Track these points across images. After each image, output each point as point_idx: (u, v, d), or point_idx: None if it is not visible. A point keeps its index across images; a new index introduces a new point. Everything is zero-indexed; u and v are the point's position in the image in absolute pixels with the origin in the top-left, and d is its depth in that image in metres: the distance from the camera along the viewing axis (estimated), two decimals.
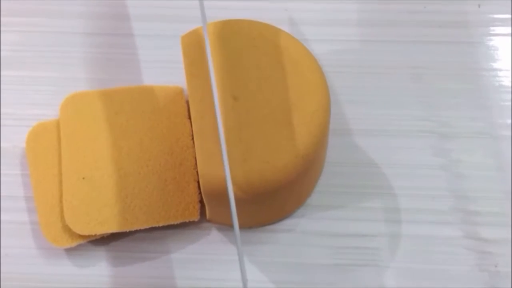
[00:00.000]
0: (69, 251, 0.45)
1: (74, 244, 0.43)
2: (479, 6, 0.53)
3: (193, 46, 0.42)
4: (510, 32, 0.52)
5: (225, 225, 0.45)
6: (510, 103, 0.49)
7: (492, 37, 0.52)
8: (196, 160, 0.42)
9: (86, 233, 0.43)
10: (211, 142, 0.39)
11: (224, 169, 0.37)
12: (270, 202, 0.42)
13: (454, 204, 0.46)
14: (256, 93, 0.41)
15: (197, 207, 0.44)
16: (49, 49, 0.52)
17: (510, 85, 0.50)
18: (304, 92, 0.41)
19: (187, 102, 0.45)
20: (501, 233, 0.45)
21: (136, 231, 0.44)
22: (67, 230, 0.43)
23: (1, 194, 0.46)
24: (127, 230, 0.43)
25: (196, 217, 0.44)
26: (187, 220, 0.44)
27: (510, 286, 0.44)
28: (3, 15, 0.53)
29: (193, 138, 0.44)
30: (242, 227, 0.44)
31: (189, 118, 0.45)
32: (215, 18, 0.44)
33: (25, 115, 0.49)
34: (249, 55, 0.42)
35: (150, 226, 0.43)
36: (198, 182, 0.44)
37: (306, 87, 0.41)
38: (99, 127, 0.46)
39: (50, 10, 0.53)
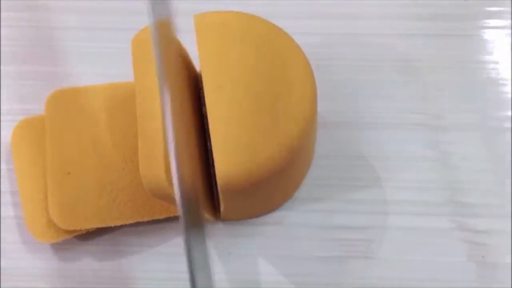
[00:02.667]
0: (54, 246, 0.43)
1: (59, 239, 0.42)
2: None
3: (143, 45, 0.40)
4: (499, 25, 0.50)
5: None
6: (500, 96, 0.48)
7: (481, 30, 0.50)
8: None
9: (71, 228, 0.41)
10: (153, 142, 0.37)
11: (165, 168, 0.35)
12: (256, 194, 0.40)
13: (445, 196, 0.44)
14: (241, 84, 0.39)
15: None
16: (36, 43, 0.50)
17: (500, 77, 0.48)
18: (289, 84, 0.39)
19: None
20: (491, 224, 0.44)
21: (121, 226, 0.42)
22: (52, 225, 0.42)
23: None
24: (113, 225, 0.42)
25: None
26: (172, 215, 0.42)
27: (496, 277, 0.42)
28: None
29: None
30: (228, 220, 0.44)
31: None
32: (203, 10, 0.42)
33: (12, 110, 0.47)
34: (234, 47, 0.40)
35: (135, 221, 0.42)
36: None
37: (292, 79, 0.39)
38: (84, 122, 0.44)
39: (37, 5, 0.51)
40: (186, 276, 0.41)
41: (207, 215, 0.41)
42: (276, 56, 0.39)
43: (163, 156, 0.35)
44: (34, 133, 0.44)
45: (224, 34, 0.40)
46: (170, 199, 0.36)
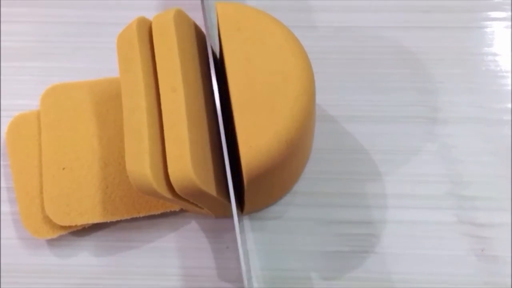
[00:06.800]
0: (50, 241, 0.41)
1: (55, 235, 0.40)
2: None
3: (127, 42, 0.37)
4: (500, 16, 0.48)
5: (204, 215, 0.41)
6: (501, 88, 0.45)
7: (481, 22, 0.47)
8: None
9: (66, 223, 0.39)
10: (138, 139, 0.34)
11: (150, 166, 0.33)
12: (255, 188, 0.38)
13: (445, 189, 0.42)
14: (239, 76, 0.36)
15: None
16: (33, 38, 0.48)
17: (500, 69, 0.46)
18: (288, 76, 0.37)
19: None
20: (491, 218, 0.41)
21: (117, 221, 0.40)
22: (48, 221, 0.39)
23: None
24: (109, 221, 0.39)
25: (177, 207, 0.40)
26: (168, 210, 0.40)
27: (495, 270, 0.40)
28: None
29: None
30: (225, 215, 0.41)
31: None
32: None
33: (7, 106, 0.45)
34: (233, 39, 0.37)
35: (131, 216, 0.40)
36: None
37: (290, 72, 0.37)
38: (79, 118, 0.42)
39: (35, 0, 0.49)
40: (181, 271, 0.40)
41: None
42: (274, 48, 0.37)
43: (148, 153, 0.33)
44: (29, 128, 0.42)
45: (222, 26, 0.38)
46: (156, 195, 0.34)
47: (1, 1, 0.49)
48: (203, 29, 0.39)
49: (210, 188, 0.35)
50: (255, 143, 0.35)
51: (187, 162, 0.33)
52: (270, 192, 0.41)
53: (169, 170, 0.33)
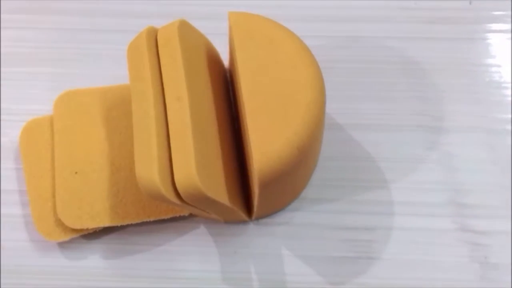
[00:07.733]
0: (61, 244, 0.41)
1: (66, 238, 0.40)
2: (470, 3, 0.49)
3: (137, 50, 0.37)
4: (502, 28, 0.48)
5: (213, 219, 0.41)
6: (503, 98, 0.45)
7: (483, 34, 0.48)
8: None
9: (78, 227, 0.39)
10: (147, 145, 0.34)
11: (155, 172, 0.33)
12: (267, 194, 0.38)
13: (447, 197, 0.42)
14: (252, 84, 0.36)
15: None
16: (46, 45, 0.48)
17: (502, 80, 0.46)
18: (299, 85, 0.37)
19: None
20: (493, 226, 0.41)
21: (127, 225, 0.40)
22: (60, 224, 0.39)
23: None
24: (119, 225, 0.39)
25: (186, 212, 0.40)
26: (177, 215, 0.40)
27: (498, 277, 0.40)
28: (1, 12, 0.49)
29: None
30: (234, 220, 0.41)
31: None
32: (214, 14, 0.39)
33: (21, 110, 0.45)
34: (246, 47, 0.37)
35: (141, 220, 0.39)
36: None
37: (301, 80, 0.37)
38: (92, 122, 0.42)
39: (47, 7, 0.49)
40: (189, 274, 0.40)
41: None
42: (286, 57, 0.37)
43: (157, 159, 0.33)
44: (43, 133, 0.42)
45: (234, 35, 0.38)
46: (165, 200, 0.34)
47: (14, 8, 0.49)
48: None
49: (217, 194, 0.35)
50: (268, 149, 0.35)
51: (192, 169, 0.33)
52: (280, 197, 0.41)
53: (175, 177, 0.33)
